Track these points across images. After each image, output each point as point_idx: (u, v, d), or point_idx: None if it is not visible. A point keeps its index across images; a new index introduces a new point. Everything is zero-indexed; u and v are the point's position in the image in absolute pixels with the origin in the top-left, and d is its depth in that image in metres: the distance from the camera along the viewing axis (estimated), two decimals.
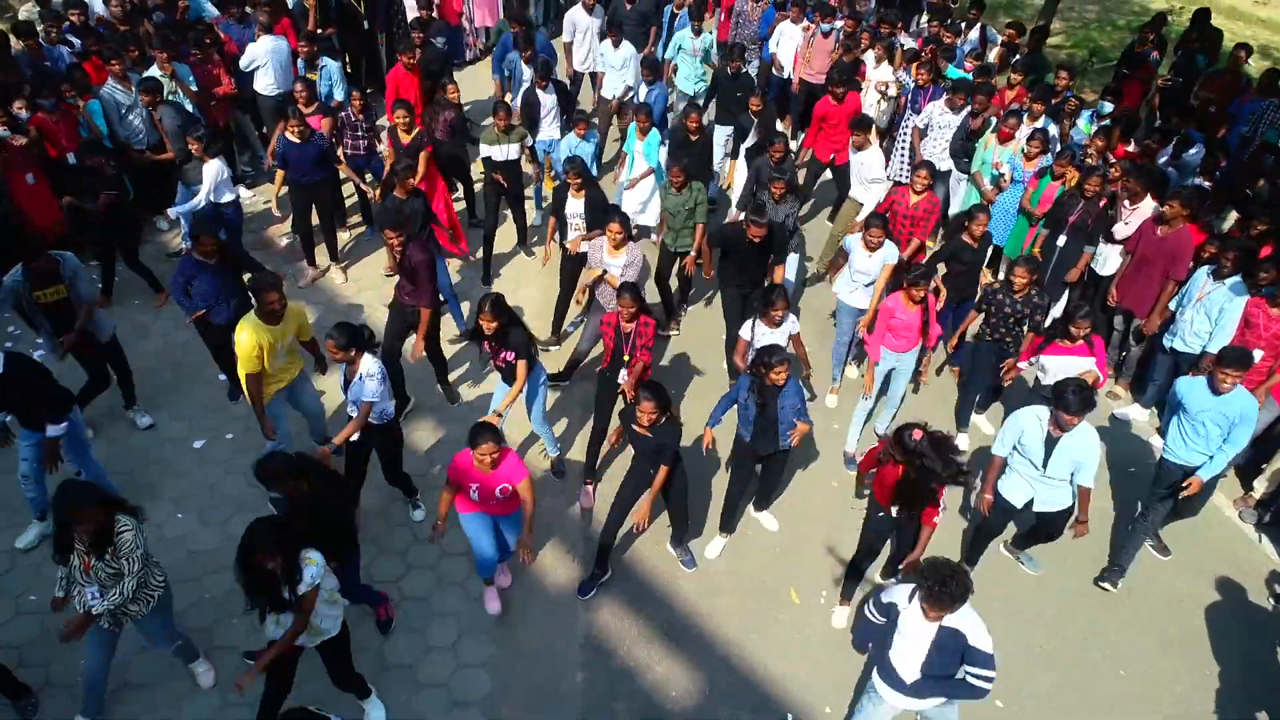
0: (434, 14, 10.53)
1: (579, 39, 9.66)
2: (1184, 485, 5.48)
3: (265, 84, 8.61)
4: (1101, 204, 7.07)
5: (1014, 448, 5.24)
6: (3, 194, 7.01)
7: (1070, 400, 4.86)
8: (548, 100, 8.18)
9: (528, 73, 8.53)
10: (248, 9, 8.92)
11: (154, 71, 7.83)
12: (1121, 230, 7.10)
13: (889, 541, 5.31)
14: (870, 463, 5.10)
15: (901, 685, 4.14)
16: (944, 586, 3.78)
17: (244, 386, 5.40)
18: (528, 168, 8.10)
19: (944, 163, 8.47)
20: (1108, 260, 7.33)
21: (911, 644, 4.04)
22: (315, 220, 7.80)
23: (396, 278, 6.23)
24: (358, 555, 4.96)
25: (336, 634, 4.36)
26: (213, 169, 7.03)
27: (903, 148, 8.76)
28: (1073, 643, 5.54)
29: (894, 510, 4.97)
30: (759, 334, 5.85)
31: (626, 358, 5.78)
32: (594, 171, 7.74)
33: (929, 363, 6.56)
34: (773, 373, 5.10)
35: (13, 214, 7.06)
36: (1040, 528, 5.55)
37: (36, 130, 7.20)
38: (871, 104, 9.31)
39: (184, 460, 6.25)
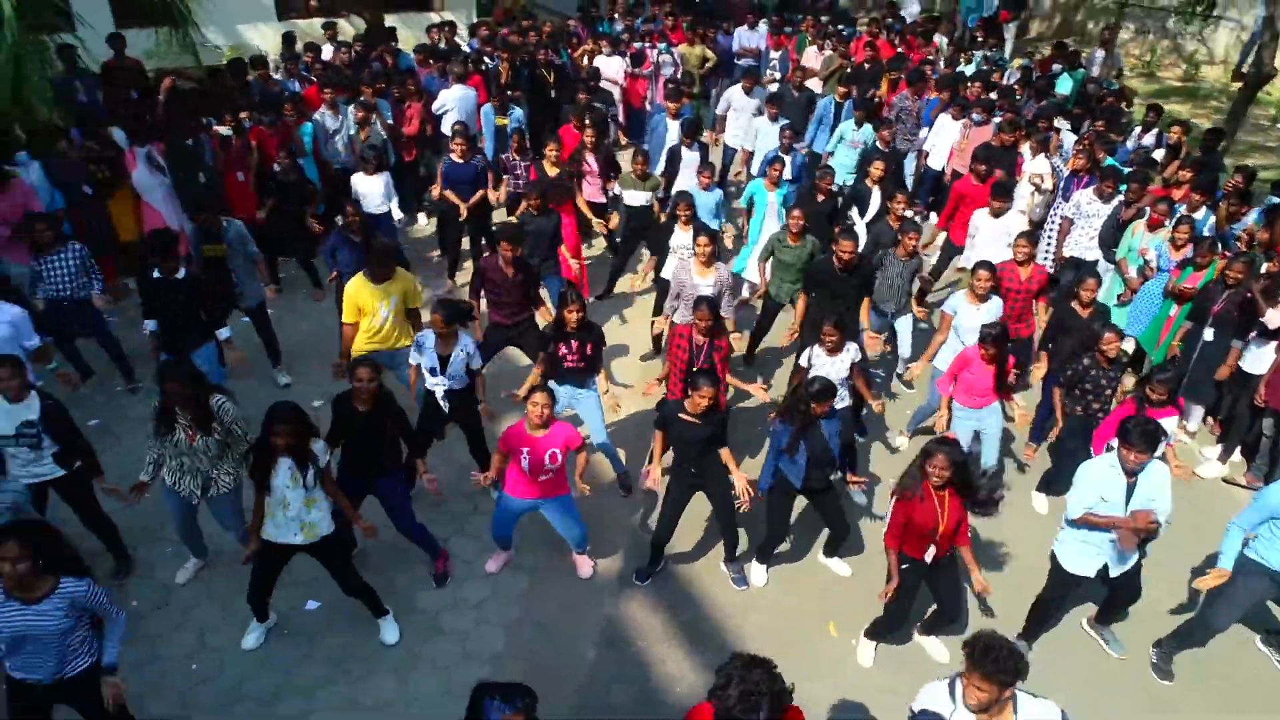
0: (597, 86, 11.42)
1: (734, 115, 10.23)
2: None
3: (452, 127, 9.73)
4: (1248, 295, 6.51)
5: (1090, 504, 4.74)
6: (218, 185, 8.32)
7: (1132, 433, 4.46)
8: (690, 156, 8.69)
9: (674, 128, 9.12)
10: (447, 66, 10.17)
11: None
12: (1274, 318, 6.46)
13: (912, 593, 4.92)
14: (899, 524, 4.65)
15: None
16: (987, 655, 3.15)
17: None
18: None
19: (1091, 253, 8.13)
20: (1260, 357, 6.67)
21: None
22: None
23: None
24: (405, 490, 5.30)
25: (331, 532, 4.67)
26: (369, 182, 8.00)
27: (1049, 237, 8.49)
28: None
29: (928, 555, 4.66)
30: (817, 362, 5.79)
31: (698, 370, 5.85)
32: (716, 225, 8.04)
33: (1025, 417, 6.15)
34: (815, 405, 4.99)
35: (222, 202, 8.34)
36: (1121, 592, 4.99)
37: (255, 140, 8.54)
38: (1024, 195, 9.13)
39: None
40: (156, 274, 5.89)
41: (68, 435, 4.85)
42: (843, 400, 5.91)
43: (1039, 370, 6.47)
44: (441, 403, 5.63)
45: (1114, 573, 4.84)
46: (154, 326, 6.02)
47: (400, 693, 4.82)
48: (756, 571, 5.69)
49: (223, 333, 6.11)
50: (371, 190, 8.01)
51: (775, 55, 13.01)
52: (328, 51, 10.70)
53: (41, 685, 3.75)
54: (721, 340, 5.91)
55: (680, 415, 5.07)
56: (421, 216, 10.07)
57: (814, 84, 11.61)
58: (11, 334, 5.65)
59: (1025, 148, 9.28)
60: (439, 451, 6.23)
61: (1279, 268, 6.76)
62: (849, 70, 11.62)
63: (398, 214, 8.54)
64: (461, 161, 8.10)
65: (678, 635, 5.30)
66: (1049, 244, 8.49)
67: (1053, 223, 8.51)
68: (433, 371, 5.53)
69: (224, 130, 8.36)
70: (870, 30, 13.50)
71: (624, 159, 9.71)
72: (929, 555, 4.66)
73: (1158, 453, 4.66)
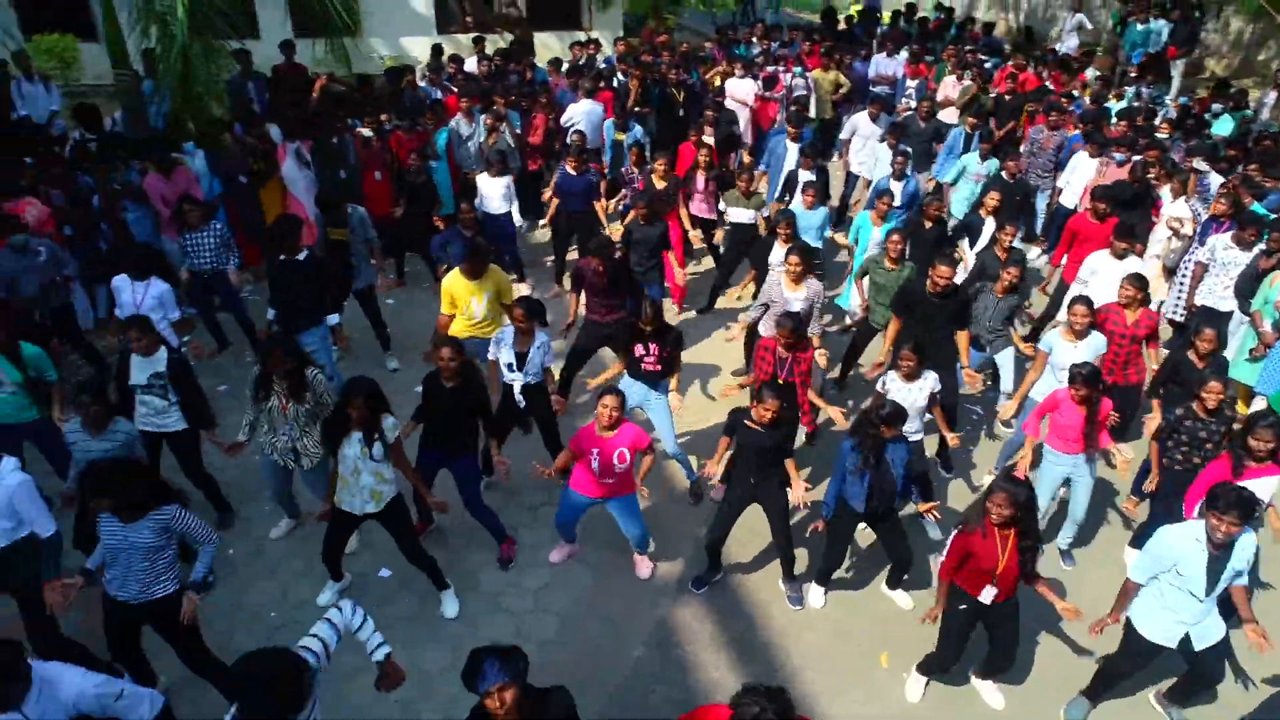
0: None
1: (857, 141, 10.16)
2: None
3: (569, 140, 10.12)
4: None
5: (1160, 575, 4.46)
6: (357, 182, 8.98)
7: (1222, 501, 4.15)
8: (806, 178, 8.70)
9: (793, 150, 9.16)
10: (578, 81, 10.58)
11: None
12: None
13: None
14: (956, 556, 4.54)
15: None
16: None
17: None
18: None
19: (1225, 303, 7.62)
20: None
21: None
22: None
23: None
24: (479, 473, 5.60)
25: (394, 497, 4.97)
26: (491, 184, 8.42)
27: (1182, 283, 8.01)
28: None
29: (986, 595, 4.50)
30: (892, 386, 5.70)
31: (780, 384, 5.90)
32: (818, 242, 8.03)
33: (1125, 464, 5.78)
34: (884, 428, 4.92)
35: (360, 199, 8.99)
36: (1202, 672, 4.62)
37: (393, 142, 9.17)
38: (1160, 240, 8.64)
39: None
40: (281, 257, 6.45)
41: (188, 387, 5.38)
42: (917, 432, 5.80)
43: (1152, 421, 6.09)
44: (518, 398, 5.89)
45: (1197, 646, 4.51)
46: (273, 315, 6.56)
47: (452, 662, 5.07)
48: (814, 593, 5.64)
49: (332, 318, 6.60)
50: (493, 192, 8.45)
51: (912, 84, 12.79)
52: (471, 64, 11.34)
53: (129, 603, 4.19)
54: (804, 355, 5.92)
55: (746, 421, 5.13)
56: (541, 223, 10.47)
57: (949, 114, 11.37)
58: (157, 306, 6.32)
59: (1166, 190, 8.80)
60: (521, 445, 6.52)
61: None
62: (988, 101, 11.34)
63: (519, 219, 8.94)
64: (574, 174, 8.43)
65: (726, 645, 5.33)
66: (1181, 291, 8.02)
67: (1186, 269, 8.03)
68: (510, 367, 5.81)
69: (366, 132, 9.01)
70: (1016, 62, 13.08)
71: None
72: (987, 595, 4.51)
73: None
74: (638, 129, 9.83)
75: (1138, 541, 6.04)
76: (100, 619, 4.37)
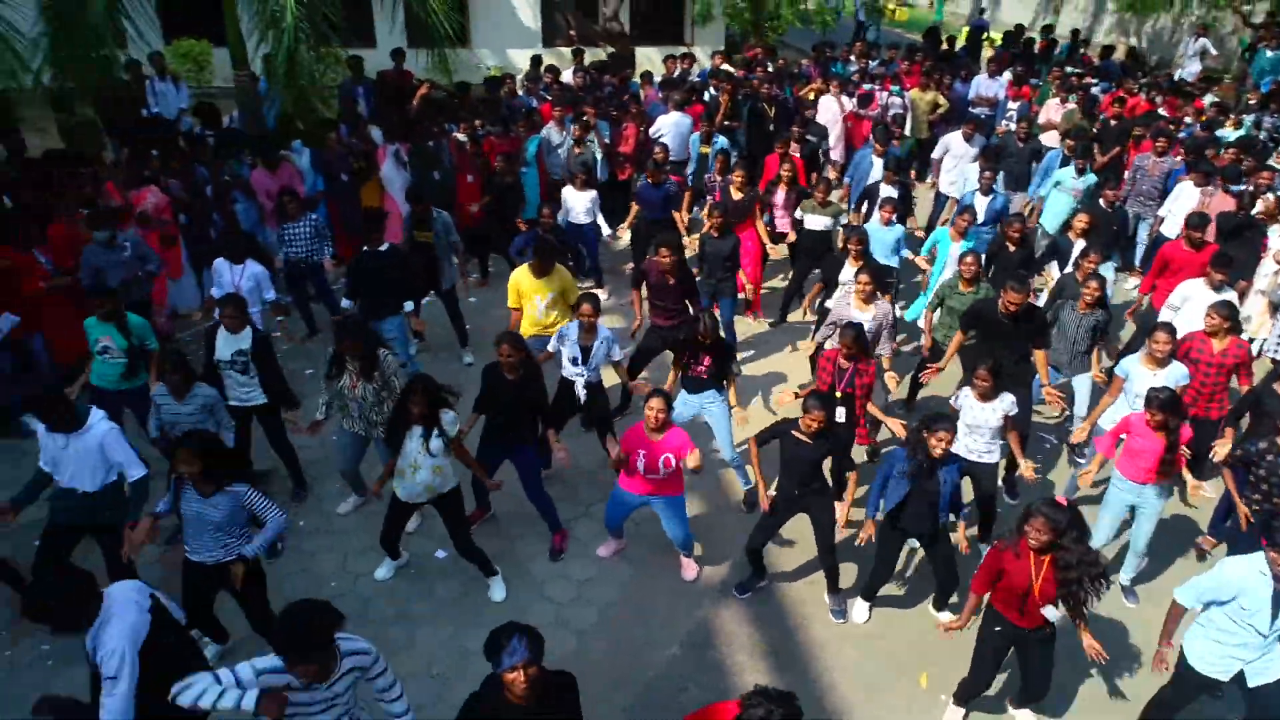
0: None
1: (949, 160, 10.00)
2: None
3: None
4: None
5: (1215, 605, 4.27)
6: (450, 183, 9.37)
7: (1277, 534, 3.97)
8: (888, 190, 8.64)
9: (878, 165, 9.10)
10: (669, 94, 10.75)
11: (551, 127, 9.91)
12: None
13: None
14: (989, 572, 4.44)
15: None
16: None
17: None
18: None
19: None
20: None
21: None
22: None
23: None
24: (538, 462, 5.80)
25: (450, 489, 5.19)
26: (577, 196, 8.67)
27: None
28: None
29: (1021, 618, 4.38)
30: (965, 404, 5.60)
31: (839, 394, 5.90)
32: (895, 262, 7.97)
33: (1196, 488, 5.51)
34: (933, 438, 4.86)
35: (452, 200, 9.38)
36: (1265, 709, 4.35)
37: (486, 147, 9.54)
38: (1267, 275, 8.20)
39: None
40: (364, 249, 6.82)
41: (268, 366, 5.76)
42: (990, 453, 5.69)
43: (1222, 446, 5.71)
44: (580, 393, 6.05)
45: (1253, 682, 4.29)
46: (349, 305, 6.89)
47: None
48: (859, 608, 5.60)
49: (408, 305, 6.93)
50: (578, 204, 8.69)
51: (1013, 105, 12.48)
52: (567, 75, 11.67)
53: (205, 565, 4.53)
54: (866, 369, 5.89)
55: (793, 432, 5.14)
56: (621, 226, 10.65)
57: (1051, 138, 11.06)
58: (254, 287, 6.77)
59: (1275, 228, 8.35)
60: (579, 442, 6.69)
61: None
62: (1090, 125, 10.99)
63: (607, 230, 9.14)
64: (653, 184, 8.60)
65: (764, 652, 5.35)
66: None
67: None
68: (574, 361, 5.98)
69: (461, 136, 9.40)
70: (1126, 87, 12.61)
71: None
72: (1051, 614, 4.31)
73: None
74: (722, 140, 9.93)
75: None
76: (179, 582, 4.74)
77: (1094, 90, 12.63)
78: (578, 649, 5.26)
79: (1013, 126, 11.93)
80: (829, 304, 7.31)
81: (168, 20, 14.20)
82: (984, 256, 7.87)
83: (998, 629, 4.51)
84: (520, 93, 10.80)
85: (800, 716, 3.12)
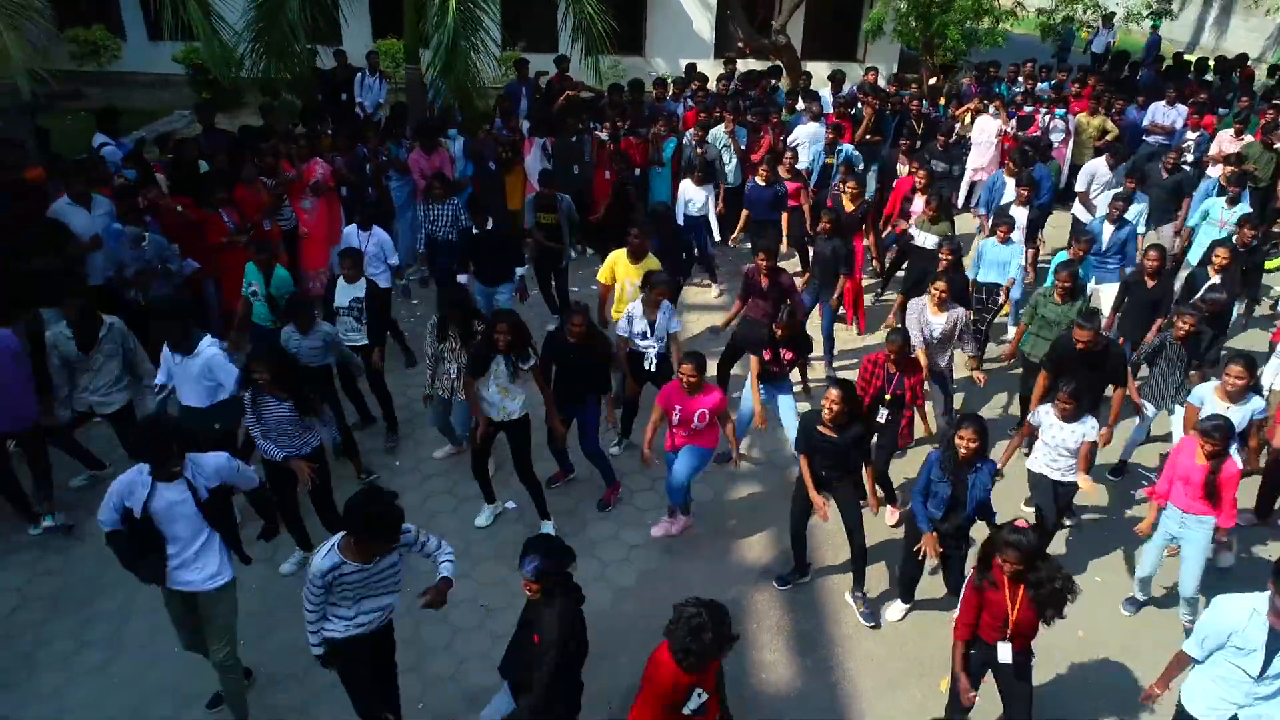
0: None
1: (1095, 189, 9.61)
2: None
3: (801, 160, 10.48)
4: None
5: (1216, 648, 4.07)
6: (588, 177, 10.01)
7: None
8: (1020, 214, 8.46)
9: (1010, 185, 8.96)
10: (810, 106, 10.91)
11: (720, 128, 10.29)
12: None
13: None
14: (971, 614, 4.36)
15: None
16: None
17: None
18: None
19: None
20: None
21: None
22: None
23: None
24: (598, 420, 6.29)
25: (519, 417, 5.78)
26: (694, 189, 9.08)
27: None
28: None
29: (1003, 653, 4.33)
30: (1045, 420, 5.54)
31: (889, 397, 5.97)
32: (1004, 278, 7.81)
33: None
34: (959, 438, 4.88)
35: (590, 193, 10.01)
36: None
37: (625, 146, 10.12)
38: None
39: None
40: (474, 230, 7.57)
41: (379, 313, 6.58)
42: (1070, 470, 5.58)
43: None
44: (649, 363, 6.48)
45: None
46: (465, 279, 7.66)
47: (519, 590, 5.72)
48: (895, 608, 5.66)
49: (519, 271, 7.68)
50: (695, 196, 9.10)
51: (1192, 135, 11.70)
52: (712, 84, 12.09)
53: (278, 460, 5.32)
54: (914, 376, 5.94)
55: (817, 427, 5.29)
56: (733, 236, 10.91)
57: (1215, 170, 10.34)
58: (378, 251, 7.63)
59: None
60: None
61: None
62: (1262, 156, 10.21)
63: (717, 235, 9.48)
64: (764, 185, 8.86)
65: (789, 635, 5.54)
66: None
67: None
68: (643, 335, 6.41)
69: (603, 135, 10.02)
70: None
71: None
72: (1004, 653, 4.33)
73: None
74: (847, 148, 10.00)
75: None
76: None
77: None
78: (612, 604, 5.66)
79: (1190, 159, 11.26)
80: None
81: (376, 20, 15.88)
82: (1120, 287, 7.61)
83: (973, 652, 4.48)
84: (667, 100, 11.31)
85: (730, 627, 3.43)
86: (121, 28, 15.52)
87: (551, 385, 6.10)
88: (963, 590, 4.41)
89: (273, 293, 6.75)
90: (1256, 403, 5.60)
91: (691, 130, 10.17)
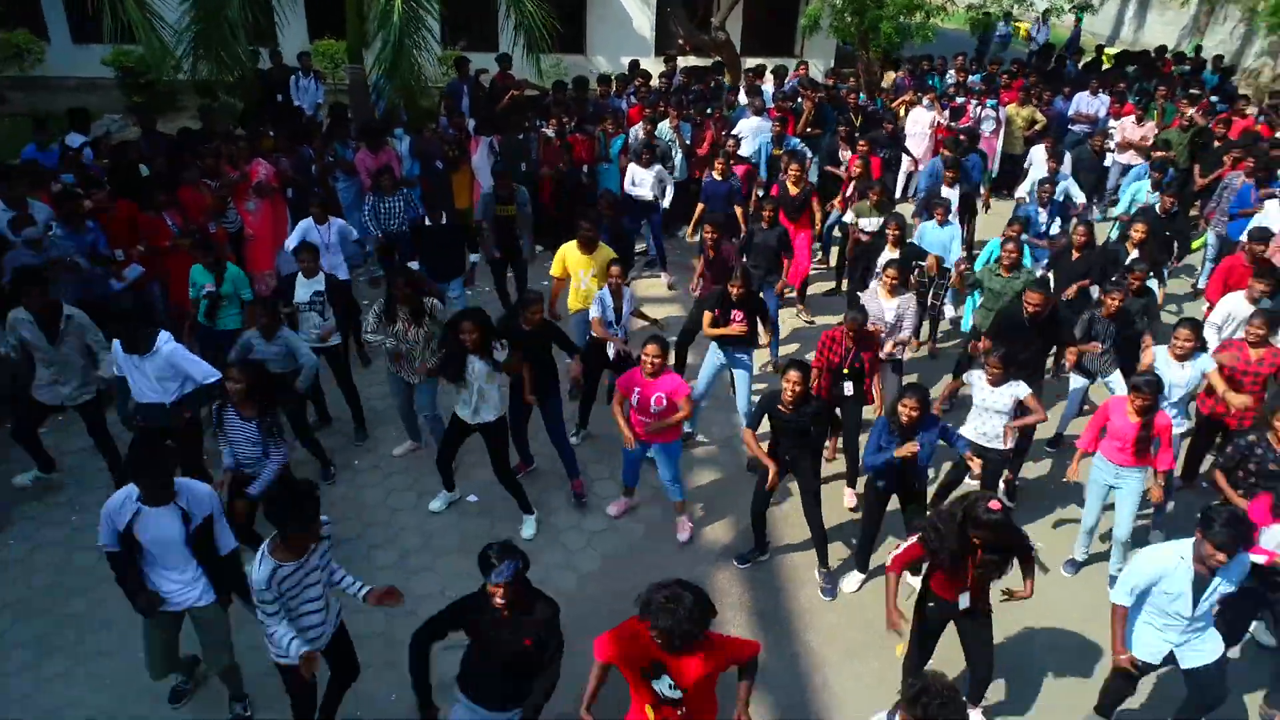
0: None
1: (1033, 173, 10.03)
2: None
3: (744, 151, 10.69)
4: None
5: (1145, 594, 4.36)
6: (535, 175, 10.07)
7: (1216, 526, 4.02)
8: (949, 194, 8.80)
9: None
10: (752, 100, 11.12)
11: (665, 123, 10.44)
12: None
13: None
14: (911, 556, 4.54)
15: None
16: (924, 705, 3.18)
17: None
18: None
19: None
20: None
21: None
22: None
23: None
24: (561, 412, 6.39)
25: (495, 420, 5.80)
26: (641, 172, 9.24)
27: None
28: None
29: (962, 600, 4.49)
30: (975, 383, 5.83)
31: (846, 371, 6.17)
32: (948, 257, 8.10)
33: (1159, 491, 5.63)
34: (903, 405, 5.12)
35: (536, 190, 10.06)
36: (1204, 693, 4.44)
37: (572, 141, 10.20)
38: None
39: None
40: (427, 221, 7.61)
41: (343, 307, 6.59)
42: (998, 439, 5.84)
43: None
44: (611, 350, 6.63)
45: (1185, 664, 4.39)
46: (417, 265, 7.65)
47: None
48: (851, 578, 5.87)
49: (472, 258, 7.80)
50: (643, 179, 9.24)
51: (1115, 123, 12.22)
52: (654, 81, 12.25)
53: (236, 472, 5.25)
54: (870, 349, 6.16)
55: (777, 406, 5.46)
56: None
57: (1131, 157, 10.88)
58: (340, 240, 7.62)
59: None
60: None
61: None
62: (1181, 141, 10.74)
63: (665, 201, 9.63)
64: (719, 179, 9.04)
65: (751, 610, 5.71)
66: None
67: None
68: (608, 321, 6.52)
69: (549, 132, 10.09)
70: (1237, 108, 12.14)
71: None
72: (963, 601, 4.52)
73: None
74: (793, 141, 10.24)
75: None
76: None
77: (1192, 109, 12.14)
78: (577, 588, 5.75)
79: (1113, 145, 11.78)
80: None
81: (312, 21, 15.68)
82: (1046, 262, 8.01)
83: (932, 605, 4.65)
84: (612, 96, 11.44)
85: (705, 605, 3.48)
86: (45, 30, 15.10)
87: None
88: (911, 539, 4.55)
89: (227, 291, 6.69)
90: (1205, 361, 5.97)
91: (639, 125, 10.32)
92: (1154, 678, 5.01)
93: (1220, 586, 4.18)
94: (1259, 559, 4.52)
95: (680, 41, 16.39)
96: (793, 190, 8.64)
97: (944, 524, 4.33)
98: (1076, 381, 6.85)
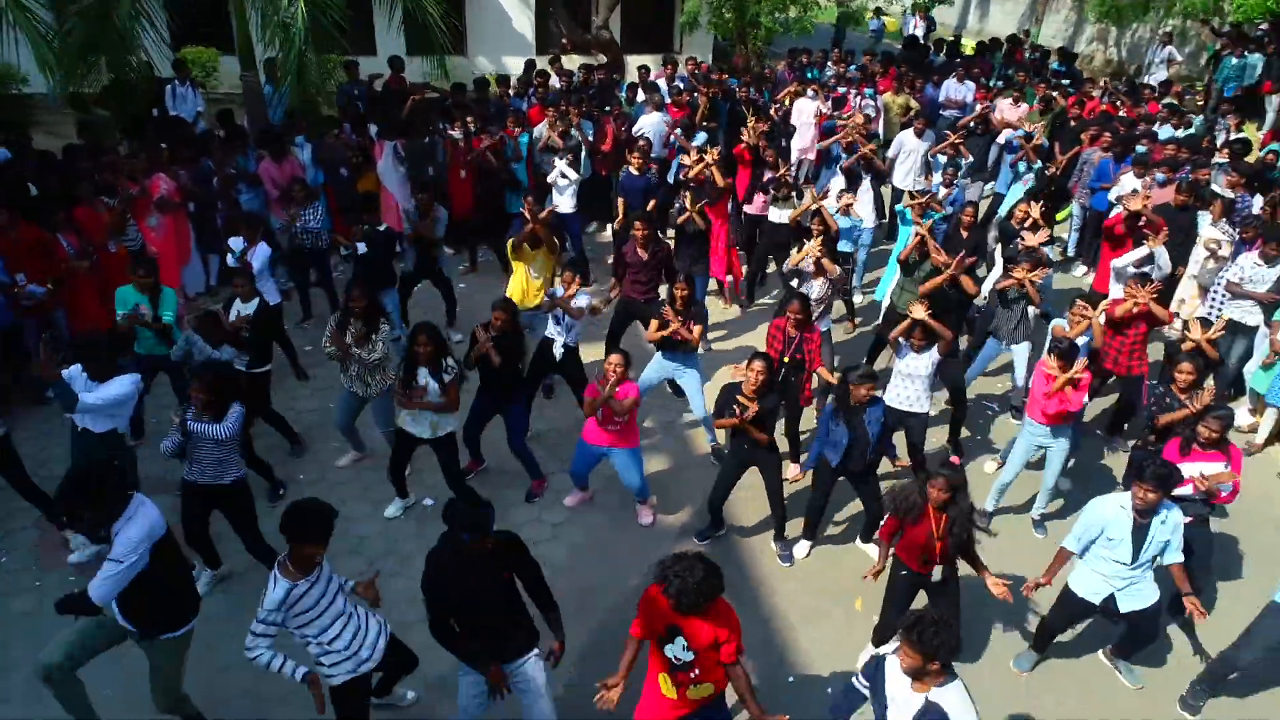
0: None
1: (902, 157, 10.69)
2: None
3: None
4: None
5: (1094, 543, 4.90)
6: (443, 178, 10.01)
7: (1145, 472, 4.57)
8: (840, 183, 9.32)
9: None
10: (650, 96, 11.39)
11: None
12: None
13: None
14: (895, 525, 4.96)
15: None
16: (915, 628, 3.49)
17: None
18: None
19: (1252, 316, 7.82)
20: None
21: (898, 712, 3.66)
22: None
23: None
24: (524, 418, 6.47)
25: (447, 433, 5.85)
26: (566, 169, 9.35)
27: (1213, 300, 8.21)
28: None
29: (933, 571, 4.88)
30: (903, 353, 6.28)
31: (787, 359, 6.51)
32: (849, 247, 8.62)
33: None
34: (856, 388, 5.49)
35: (446, 193, 10.01)
36: (1137, 631, 5.04)
37: (478, 144, 10.19)
38: (1198, 260, 8.82)
39: None
40: (365, 227, 7.51)
41: (261, 334, 6.42)
42: (920, 403, 6.33)
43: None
44: (557, 351, 6.71)
45: (1123, 608, 4.91)
46: (362, 247, 7.61)
47: None
48: (801, 546, 6.23)
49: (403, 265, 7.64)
50: (563, 181, 9.36)
51: (980, 108, 13.17)
52: (557, 79, 12.36)
53: (199, 484, 5.15)
54: (812, 335, 6.52)
55: (738, 396, 5.73)
56: (611, 227, 11.29)
57: (1003, 135, 11.76)
58: (261, 267, 7.34)
59: (1205, 214, 9.00)
60: (558, 405, 7.32)
61: None
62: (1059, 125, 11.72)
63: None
64: (636, 174, 9.26)
65: None
66: (1213, 306, 8.21)
67: (1217, 286, 8.22)
68: (557, 320, 6.67)
69: (455, 134, 10.05)
70: (1085, 90, 13.30)
71: None
72: (936, 574, 4.91)
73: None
74: (701, 137, 10.57)
75: None
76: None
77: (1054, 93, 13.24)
78: (551, 579, 5.82)
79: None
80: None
81: (175, 29, 14.95)
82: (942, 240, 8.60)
83: (904, 572, 5.04)
84: (513, 96, 11.48)
85: (717, 574, 3.72)
86: None
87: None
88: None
89: (168, 318, 6.42)
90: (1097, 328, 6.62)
91: (544, 123, 10.42)
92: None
93: (1158, 537, 4.71)
94: (1185, 490, 5.10)
95: (564, 41, 16.55)
96: (720, 181, 8.90)
97: (905, 490, 4.79)
98: (989, 346, 7.42)
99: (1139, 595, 4.86)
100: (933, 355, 6.23)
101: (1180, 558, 4.74)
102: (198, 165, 8.76)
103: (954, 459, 4.74)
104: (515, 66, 16.53)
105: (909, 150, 10.68)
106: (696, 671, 3.92)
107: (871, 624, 5.60)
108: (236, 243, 7.38)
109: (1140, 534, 4.71)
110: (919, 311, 6.09)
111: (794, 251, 7.48)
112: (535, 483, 6.62)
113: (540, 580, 4.29)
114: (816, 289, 7.04)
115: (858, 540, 6.30)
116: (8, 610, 5.49)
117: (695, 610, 3.74)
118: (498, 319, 6.05)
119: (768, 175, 9.18)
